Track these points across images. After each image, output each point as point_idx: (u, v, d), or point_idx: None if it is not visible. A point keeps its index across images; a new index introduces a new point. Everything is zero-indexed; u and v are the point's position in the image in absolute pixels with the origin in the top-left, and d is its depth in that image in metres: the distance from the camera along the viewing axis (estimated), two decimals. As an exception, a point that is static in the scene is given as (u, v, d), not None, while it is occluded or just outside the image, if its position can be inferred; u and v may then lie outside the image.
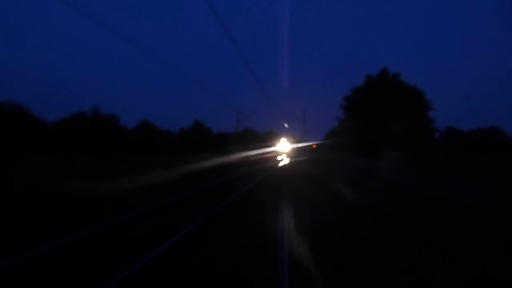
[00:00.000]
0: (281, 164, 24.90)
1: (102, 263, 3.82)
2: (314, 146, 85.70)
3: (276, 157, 39.33)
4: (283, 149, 56.51)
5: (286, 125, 58.67)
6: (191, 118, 54.81)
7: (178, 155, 24.58)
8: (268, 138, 60.05)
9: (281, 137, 61.84)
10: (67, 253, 4.21)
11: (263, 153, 44.57)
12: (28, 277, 3.48)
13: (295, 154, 48.24)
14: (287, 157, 39.76)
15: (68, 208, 7.31)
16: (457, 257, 4.07)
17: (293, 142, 66.40)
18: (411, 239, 4.83)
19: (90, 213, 6.72)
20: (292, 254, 4.00)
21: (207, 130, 50.90)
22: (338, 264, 3.75)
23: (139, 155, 23.66)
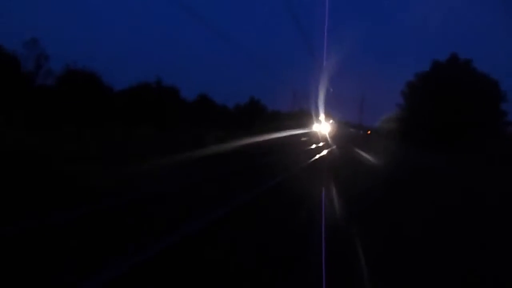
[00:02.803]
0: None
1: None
2: (368, 132, 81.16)
3: (307, 144, 25.30)
4: (322, 130, 40.54)
5: (331, 90, 44.27)
6: (249, 94, 54.41)
7: (230, 130, 25.10)
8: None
9: (320, 115, 42.79)
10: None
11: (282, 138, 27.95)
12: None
13: (341, 142, 32.25)
14: (325, 145, 26.05)
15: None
16: None
17: (337, 122, 52.73)
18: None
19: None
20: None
21: (261, 107, 50.76)
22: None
23: (196, 127, 24.67)
